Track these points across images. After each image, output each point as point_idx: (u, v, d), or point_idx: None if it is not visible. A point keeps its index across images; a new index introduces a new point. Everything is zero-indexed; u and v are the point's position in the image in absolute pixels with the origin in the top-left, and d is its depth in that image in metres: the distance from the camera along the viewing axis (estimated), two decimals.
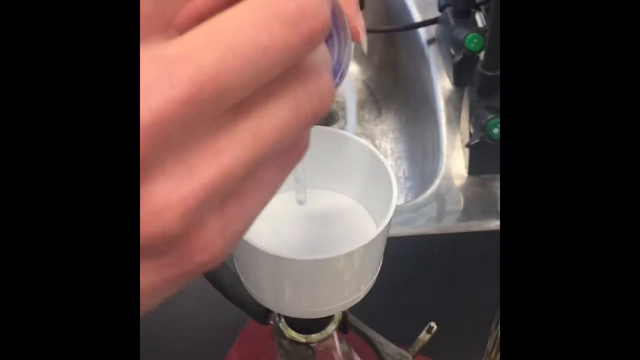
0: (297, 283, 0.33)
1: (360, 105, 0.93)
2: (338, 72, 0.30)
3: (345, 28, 0.29)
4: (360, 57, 0.94)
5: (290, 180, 0.33)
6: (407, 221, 0.68)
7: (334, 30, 0.28)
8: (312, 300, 0.34)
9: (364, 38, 0.29)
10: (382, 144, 0.89)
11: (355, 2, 0.28)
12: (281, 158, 0.19)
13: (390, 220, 0.33)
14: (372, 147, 0.38)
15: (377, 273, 0.37)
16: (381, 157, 0.37)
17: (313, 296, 0.34)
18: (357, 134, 0.69)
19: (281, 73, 0.17)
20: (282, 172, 0.19)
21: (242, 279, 0.36)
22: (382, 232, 0.33)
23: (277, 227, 0.38)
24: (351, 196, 0.41)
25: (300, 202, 0.36)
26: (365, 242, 0.32)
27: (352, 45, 0.30)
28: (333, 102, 0.19)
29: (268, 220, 0.39)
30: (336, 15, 0.28)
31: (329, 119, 0.87)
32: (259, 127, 0.17)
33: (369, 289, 0.37)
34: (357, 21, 0.28)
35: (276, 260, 0.31)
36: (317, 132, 0.33)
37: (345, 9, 0.28)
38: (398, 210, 0.36)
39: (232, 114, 0.17)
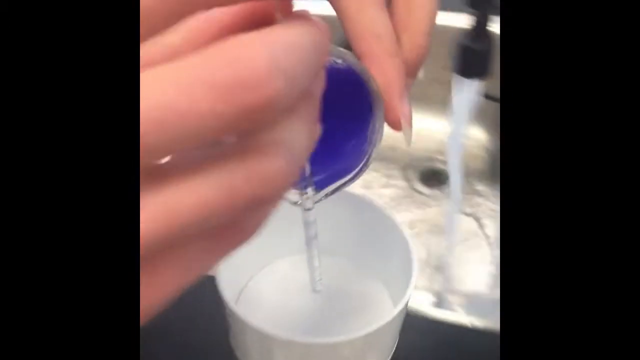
0: None
1: (476, 175, 0.72)
2: (366, 152, 0.28)
3: (378, 108, 0.26)
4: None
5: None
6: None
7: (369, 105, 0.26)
8: None
9: (406, 128, 0.27)
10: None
11: (400, 86, 0.26)
12: (210, 239, 0.17)
13: (406, 304, 0.31)
14: (394, 219, 0.35)
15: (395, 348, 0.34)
16: (404, 231, 0.34)
17: None
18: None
19: (213, 145, 0.15)
20: (210, 255, 0.18)
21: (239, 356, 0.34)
22: (395, 317, 0.30)
23: (283, 297, 0.36)
24: (368, 270, 0.38)
25: (316, 291, 0.34)
26: (373, 328, 0.30)
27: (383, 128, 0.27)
28: (285, 187, 0.17)
29: (275, 287, 0.37)
30: (369, 91, 0.26)
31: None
32: (174, 200, 0.15)
33: None
34: (400, 108, 0.26)
35: (269, 339, 0.29)
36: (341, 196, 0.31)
37: (386, 94, 0.26)
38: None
39: (150, 179, 0.15)
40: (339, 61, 0.26)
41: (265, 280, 0.38)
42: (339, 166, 0.30)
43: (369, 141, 0.27)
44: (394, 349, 0.34)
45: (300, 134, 0.17)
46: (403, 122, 0.26)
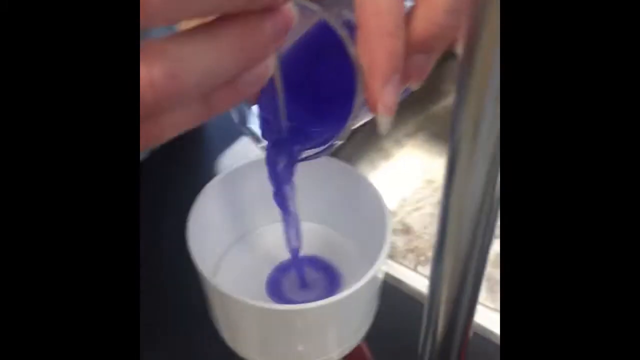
0: (274, 332, 0.30)
1: None
2: (344, 124, 0.27)
3: (359, 83, 0.25)
4: None
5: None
6: None
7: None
8: (300, 352, 0.31)
9: (382, 116, 0.26)
10: None
11: (385, 69, 0.24)
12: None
13: (381, 263, 0.30)
14: (364, 177, 0.34)
15: (369, 325, 0.34)
16: (377, 191, 0.33)
17: (304, 347, 0.31)
18: None
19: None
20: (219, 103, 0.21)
21: (223, 334, 0.33)
22: (370, 280, 0.29)
23: (259, 264, 0.35)
24: (345, 233, 0.37)
25: (292, 255, 0.33)
26: (350, 291, 0.29)
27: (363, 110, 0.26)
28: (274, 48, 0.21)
29: (254, 255, 0.36)
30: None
31: None
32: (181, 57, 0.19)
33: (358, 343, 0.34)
34: (378, 93, 0.25)
35: (228, 300, 0.28)
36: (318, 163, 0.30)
37: (367, 74, 0.25)
38: None
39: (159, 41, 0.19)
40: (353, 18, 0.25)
41: (243, 248, 0.36)
42: (318, 131, 0.29)
43: (351, 113, 0.26)
44: (368, 325, 0.34)
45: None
46: (380, 107, 0.25)
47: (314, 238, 0.37)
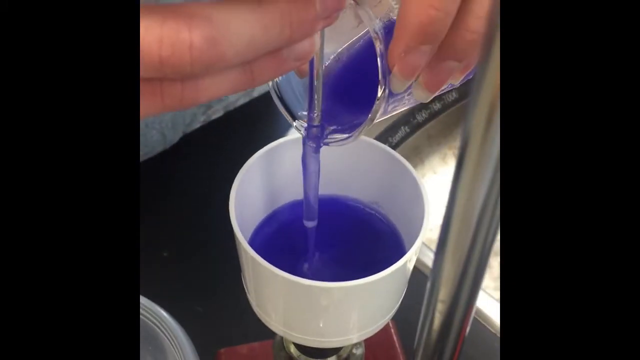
0: (306, 309, 0.31)
1: None
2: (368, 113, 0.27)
3: (385, 69, 0.26)
4: None
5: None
6: None
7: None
8: (319, 328, 0.32)
9: (395, 77, 0.26)
10: None
11: (407, 39, 0.24)
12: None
13: (413, 254, 0.30)
14: (397, 155, 0.34)
15: (399, 304, 0.34)
16: (409, 166, 0.34)
17: (323, 324, 0.32)
18: None
19: None
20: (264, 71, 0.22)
21: (252, 300, 0.34)
22: (399, 267, 0.30)
23: (293, 242, 0.36)
24: (379, 209, 0.38)
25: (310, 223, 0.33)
26: (386, 273, 0.29)
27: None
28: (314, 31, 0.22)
29: (284, 234, 0.37)
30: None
31: None
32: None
33: (387, 322, 0.34)
34: (398, 60, 0.25)
35: (285, 282, 0.29)
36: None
37: (394, 39, 0.25)
38: None
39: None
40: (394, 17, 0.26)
41: (279, 220, 0.37)
42: (348, 117, 0.30)
43: (376, 99, 0.27)
44: (391, 314, 0.34)
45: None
46: (395, 69, 0.25)
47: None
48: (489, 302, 0.50)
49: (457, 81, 0.28)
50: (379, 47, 0.26)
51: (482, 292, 0.49)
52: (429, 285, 0.18)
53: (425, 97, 0.28)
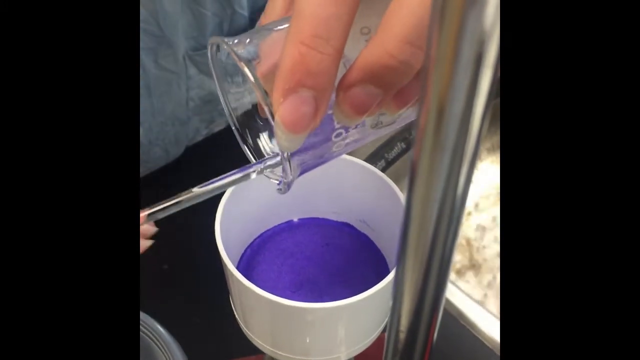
0: (292, 329, 0.32)
1: None
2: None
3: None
4: None
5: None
6: None
7: None
8: (305, 347, 0.33)
9: (279, 129, 0.23)
10: None
11: (282, 83, 0.22)
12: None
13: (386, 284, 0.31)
14: (380, 173, 0.35)
15: (384, 323, 0.35)
16: (393, 185, 0.34)
17: (310, 343, 0.32)
18: None
19: None
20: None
21: (240, 321, 0.35)
22: (384, 287, 0.30)
23: (281, 262, 0.37)
24: (364, 228, 0.38)
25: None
26: (369, 292, 0.30)
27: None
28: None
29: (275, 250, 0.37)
30: None
31: None
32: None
33: (372, 341, 0.35)
34: (276, 106, 0.23)
35: (270, 304, 0.30)
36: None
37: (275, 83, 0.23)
38: None
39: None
40: None
41: (266, 245, 0.38)
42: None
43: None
44: (379, 331, 0.34)
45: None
46: (276, 118, 0.23)
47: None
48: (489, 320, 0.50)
49: (391, 112, 0.26)
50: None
51: (480, 307, 0.49)
52: (392, 297, 0.18)
53: (344, 118, 0.25)
